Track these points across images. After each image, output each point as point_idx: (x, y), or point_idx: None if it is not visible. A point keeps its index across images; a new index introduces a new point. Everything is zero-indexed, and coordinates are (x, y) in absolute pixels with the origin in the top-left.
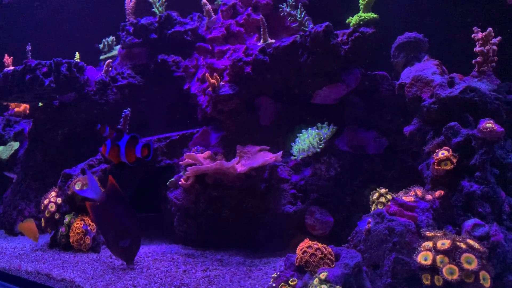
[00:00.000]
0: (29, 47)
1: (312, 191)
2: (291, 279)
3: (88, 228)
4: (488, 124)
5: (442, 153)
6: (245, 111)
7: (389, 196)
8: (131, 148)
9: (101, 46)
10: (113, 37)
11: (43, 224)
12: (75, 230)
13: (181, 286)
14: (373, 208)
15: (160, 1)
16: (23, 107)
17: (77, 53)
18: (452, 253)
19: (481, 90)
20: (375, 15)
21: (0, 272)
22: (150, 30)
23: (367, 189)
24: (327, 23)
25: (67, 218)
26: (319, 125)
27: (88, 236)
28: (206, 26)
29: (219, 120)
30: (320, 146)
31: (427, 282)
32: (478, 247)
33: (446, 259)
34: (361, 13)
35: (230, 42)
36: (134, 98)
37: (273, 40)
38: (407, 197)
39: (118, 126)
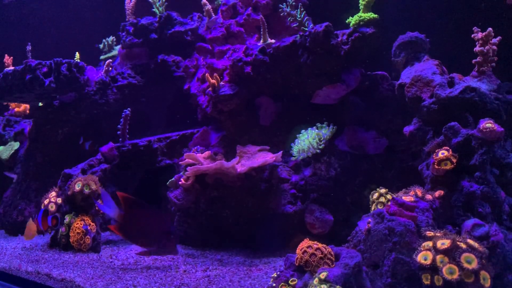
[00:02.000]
0: (29, 47)
1: (312, 191)
2: (291, 279)
3: (88, 228)
4: (488, 124)
5: (442, 153)
6: (245, 111)
7: (389, 196)
8: (44, 219)
9: (101, 46)
10: (113, 37)
11: None
12: (75, 230)
13: (181, 286)
14: (373, 208)
15: (160, 1)
16: (23, 107)
17: (77, 53)
18: (452, 253)
19: (481, 90)
20: (375, 15)
21: (0, 272)
22: (150, 30)
23: (367, 189)
24: (327, 23)
25: (67, 218)
26: (319, 125)
27: (88, 236)
28: (206, 26)
29: (219, 120)
30: (320, 147)
31: (427, 282)
32: (478, 247)
33: (446, 259)
34: (361, 13)
35: (230, 42)
36: (134, 98)
37: (273, 40)
38: (407, 197)
39: (118, 126)
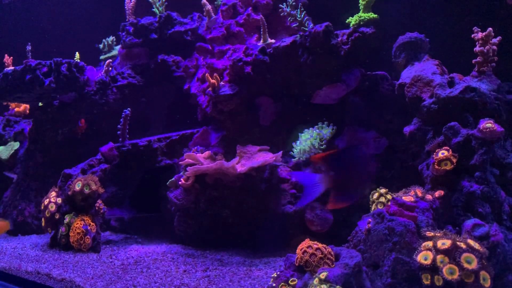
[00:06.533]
0: (29, 47)
1: None
2: (291, 279)
3: (88, 228)
4: (488, 124)
5: (442, 153)
6: (245, 111)
7: (389, 196)
8: None
9: (101, 46)
10: (113, 37)
11: (43, 224)
12: (75, 230)
13: (181, 286)
14: (373, 208)
15: (160, 1)
16: (23, 107)
17: (77, 53)
18: (452, 253)
19: (481, 90)
20: (375, 15)
21: (0, 272)
22: (150, 30)
23: (367, 189)
24: (327, 23)
25: (67, 218)
26: (320, 125)
27: (88, 236)
28: (206, 26)
29: (219, 120)
30: (322, 147)
31: (427, 282)
32: (478, 247)
33: (446, 259)
34: (361, 13)
35: (230, 42)
36: (134, 98)
37: (273, 40)
38: (407, 197)
39: (118, 126)
